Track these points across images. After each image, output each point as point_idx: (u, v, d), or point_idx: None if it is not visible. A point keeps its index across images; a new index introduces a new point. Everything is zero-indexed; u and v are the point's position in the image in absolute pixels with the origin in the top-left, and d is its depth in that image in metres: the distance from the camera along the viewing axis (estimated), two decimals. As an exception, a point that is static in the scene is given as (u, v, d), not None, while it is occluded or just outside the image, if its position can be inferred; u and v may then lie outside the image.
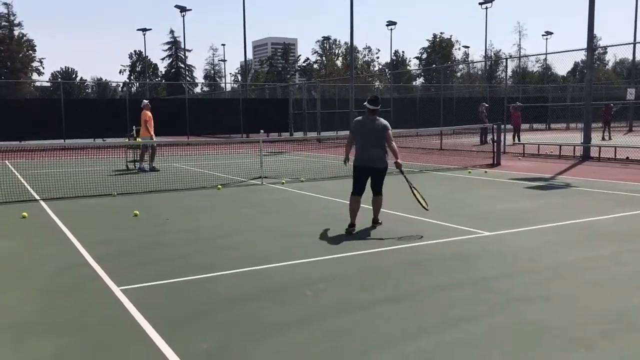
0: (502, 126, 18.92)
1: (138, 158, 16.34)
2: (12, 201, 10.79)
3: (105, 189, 12.19)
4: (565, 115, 37.85)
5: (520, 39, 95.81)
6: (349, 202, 7.90)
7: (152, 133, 16.04)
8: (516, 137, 24.89)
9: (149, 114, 16.10)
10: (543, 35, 74.95)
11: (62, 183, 12.90)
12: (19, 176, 15.03)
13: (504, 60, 72.04)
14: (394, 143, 7.95)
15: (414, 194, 7.96)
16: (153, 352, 3.99)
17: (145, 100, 16.80)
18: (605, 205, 9.77)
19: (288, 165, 17.06)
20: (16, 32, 74.21)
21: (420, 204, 7.95)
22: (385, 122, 8.00)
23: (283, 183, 13.10)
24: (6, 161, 19.48)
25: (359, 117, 8.22)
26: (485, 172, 15.17)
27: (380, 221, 8.14)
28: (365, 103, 8.05)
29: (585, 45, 19.03)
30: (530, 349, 3.97)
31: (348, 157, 8.31)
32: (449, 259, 6.36)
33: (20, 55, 74.59)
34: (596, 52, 54.40)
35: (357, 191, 7.95)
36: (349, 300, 5.03)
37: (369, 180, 8.02)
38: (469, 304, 4.89)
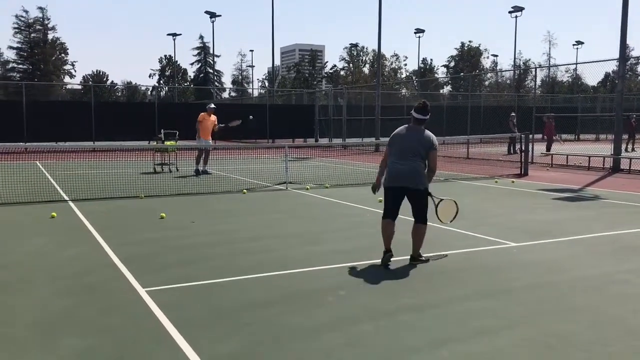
0: (530, 136, 18.70)
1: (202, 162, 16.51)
2: (42, 201, 10.99)
3: (132, 190, 12.35)
4: (595, 126, 37.27)
5: (550, 48, 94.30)
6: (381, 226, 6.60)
7: (201, 136, 16.37)
8: (550, 148, 24.56)
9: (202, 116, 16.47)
10: (573, 44, 74.02)
11: (90, 184, 13.10)
12: (49, 177, 15.31)
13: (533, 69, 71.27)
14: (434, 166, 6.58)
15: (435, 206, 6.97)
16: (176, 354, 4.02)
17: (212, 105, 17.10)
18: (634, 218, 9.59)
19: (313, 171, 17.08)
20: (50, 36, 75.91)
21: (438, 217, 6.92)
22: (433, 138, 6.54)
23: (308, 189, 13.12)
24: (37, 162, 19.88)
25: (401, 127, 6.77)
26: (513, 182, 15.00)
27: (424, 257, 6.58)
28: (412, 111, 6.71)
29: (617, 55, 18.75)
30: (555, 363, 3.90)
31: (379, 184, 6.76)
32: (474, 269, 6.29)
33: (53, 58, 76.15)
34: (628, 62, 53.47)
35: (389, 215, 6.52)
36: (372, 307, 5.01)
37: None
38: (494, 315, 4.84)
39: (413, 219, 6.59)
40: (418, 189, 6.48)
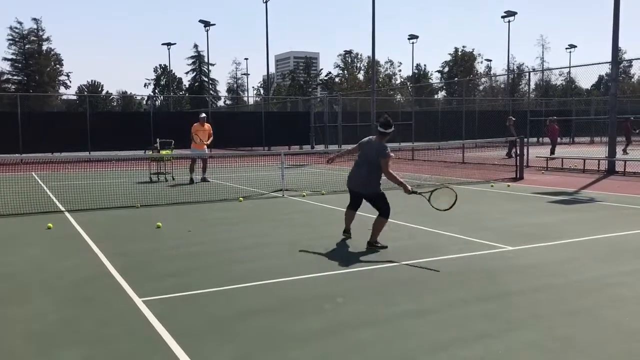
0: (525, 139, 18.75)
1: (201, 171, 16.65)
2: (38, 212, 10.96)
3: (129, 200, 12.32)
4: (589, 129, 37.38)
5: (543, 52, 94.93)
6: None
7: (196, 147, 16.58)
8: (554, 151, 24.62)
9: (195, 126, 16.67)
10: (566, 48, 74.33)
11: (86, 195, 13.07)
12: (45, 188, 15.27)
13: (527, 73, 71.56)
14: (391, 172, 7.31)
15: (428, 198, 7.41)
16: (174, 363, 4.00)
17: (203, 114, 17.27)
18: (630, 220, 9.61)
19: (309, 178, 17.09)
20: (44, 47, 75.91)
21: (429, 201, 7.37)
22: (383, 147, 7.38)
23: (304, 196, 13.12)
24: (33, 173, 19.83)
25: (368, 137, 7.94)
26: (508, 185, 15.03)
27: (379, 244, 7.41)
28: (378, 126, 7.55)
29: (609, 59, 18.85)
30: (553, 366, 3.90)
31: (334, 159, 8.33)
32: (471, 274, 6.29)
33: (48, 69, 76.16)
34: (621, 65, 53.75)
35: (351, 207, 8.02)
36: (369, 313, 5.00)
37: None
38: (492, 319, 4.84)
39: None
40: (367, 193, 7.58)
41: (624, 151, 24.94)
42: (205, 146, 16.65)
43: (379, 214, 7.52)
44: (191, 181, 16.07)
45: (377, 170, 7.42)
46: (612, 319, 4.83)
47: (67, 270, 6.65)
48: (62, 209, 11.42)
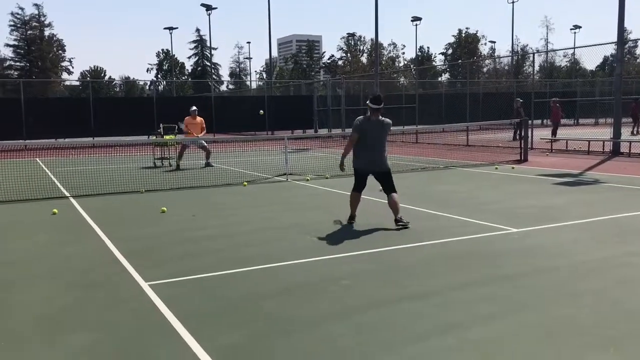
0: (530, 122, 18.68)
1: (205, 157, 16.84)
2: (43, 198, 11.00)
3: (133, 185, 12.35)
4: (594, 110, 37.19)
5: (547, 34, 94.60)
6: (350, 197, 8.02)
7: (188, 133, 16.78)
8: (556, 132, 24.46)
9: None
10: (571, 29, 73.73)
11: (91, 180, 13.11)
12: (50, 173, 15.31)
13: (531, 55, 71.03)
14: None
15: None
16: (180, 346, 4.03)
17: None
18: (635, 201, 9.59)
19: (313, 162, 17.08)
20: (46, 33, 75.65)
21: None
22: (389, 120, 7.91)
23: (308, 180, 13.12)
24: (37, 159, 19.87)
25: (362, 117, 7.85)
26: (513, 168, 15.00)
27: (404, 220, 7.65)
28: (368, 102, 7.76)
29: (615, 39, 18.69)
30: (558, 347, 3.92)
31: (343, 162, 8.11)
32: (475, 256, 6.30)
33: (51, 55, 75.97)
34: (627, 45, 53.31)
35: (359, 189, 7.99)
36: (375, 296, 5.02)
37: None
38: (496, 301, 4.85)
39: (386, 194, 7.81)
40: (387, 170, 7.83)
41: (634, 132, 24.79)
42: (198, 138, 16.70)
43: (393, 191, 7.76)
44: (177, 167, 16.21)
45: (385, 145, 7.83)
46: (617, 300, 4.83)
47: (73, 255, 6.68)
48: (67, 194, 11.46)
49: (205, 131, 17.11)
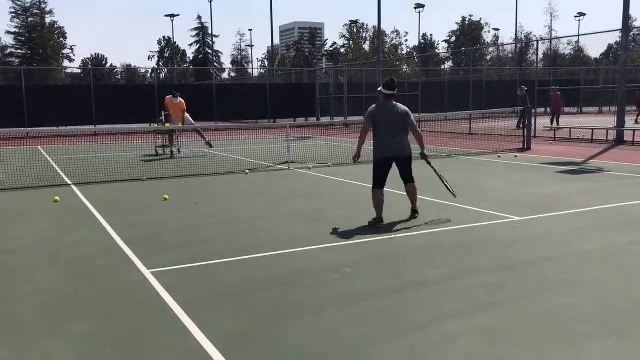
0: (533, 110, 18.61)
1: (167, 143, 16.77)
2: (45, 185, 10.99)
3: (135, 173, 12.34)
4: (598, 98, 37.02)
5: (551, 21, 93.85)
6: (372, 197, 7.35)
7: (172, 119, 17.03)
8: (555, 121, 24.35)
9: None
10: (575, 16, 73.21)
11: (93, 168, 13.10)
12: (51, 161, 15.31)
13: (535, 42, 70.61)
14: (418, 129, 7.61)
15: (442, 182, 7.86)
16: (182, 334, 4.03)
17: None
18: (638, 190, 9.56)
19: (315, 150, 17.04)
20: (47, 20, 75.38)
21: (450, 190, 7.83)
22: (405, 107, 7.47)
23: (310, 168, 13.10)
24: (39, 146, 19.86)
25: (375, 105, 7.52)
26: (516, 156, 14.95)
27: (419, 211, 7.56)
28: (380, 88, 7.42)
29: (619, 26, 18.54)
30: (560, 335, 3.91)
31: (360, 154, 7.62)
32: (477, 244, 6.29)
33: (52, 42, 75.71)
34: (631, 33, 52.94)
35: (381, 185, 7.37)
36: (376, 284, 5.02)
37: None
38: (498, 289, 4.84)
39: (404, 183, 7.59)
40: (409, 156, 7.42)
41: (637, 121, 24.66)
42: (180, 122, 16.69)
43: (411, 180, 7.53)
44: (171, 155, 16.20)
45: (406, 131, 7.45)
46: (619, 289, 4.82)
47: (75, 243, 6.68)
48: (69, 182, 11.45)
49: (185, 113, 16.90)
